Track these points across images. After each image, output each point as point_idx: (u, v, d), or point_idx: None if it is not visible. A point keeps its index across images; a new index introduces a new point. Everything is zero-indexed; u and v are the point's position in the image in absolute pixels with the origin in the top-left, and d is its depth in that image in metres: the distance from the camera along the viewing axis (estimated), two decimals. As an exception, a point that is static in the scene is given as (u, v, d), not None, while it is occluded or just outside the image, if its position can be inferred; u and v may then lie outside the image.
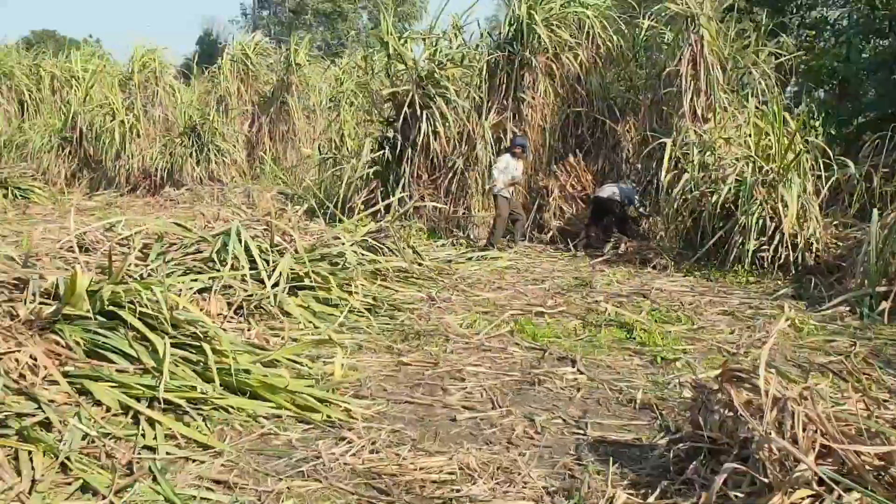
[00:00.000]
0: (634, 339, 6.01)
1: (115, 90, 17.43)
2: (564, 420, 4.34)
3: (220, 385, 4.28)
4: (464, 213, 11.06)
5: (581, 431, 4.19)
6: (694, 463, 3.46)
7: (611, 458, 3.73)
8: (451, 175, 11.30)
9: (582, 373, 5.10)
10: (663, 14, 10.60)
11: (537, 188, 11.32)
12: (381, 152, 11.60)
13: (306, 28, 43.35)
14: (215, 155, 15.95)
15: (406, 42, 11.54)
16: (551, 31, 10.98)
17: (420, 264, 8.00)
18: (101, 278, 4.95)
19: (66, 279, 4.74)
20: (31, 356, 4.15)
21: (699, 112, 9.89)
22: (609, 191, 10.21)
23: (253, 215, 7.75)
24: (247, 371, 4.40)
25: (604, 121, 12.11)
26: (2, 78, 20.32)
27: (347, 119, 15.09)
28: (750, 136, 9.05)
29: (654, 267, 9.06)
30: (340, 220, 10.46)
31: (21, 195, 14.13)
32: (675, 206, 9.28)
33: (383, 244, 7.86)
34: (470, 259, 9.04)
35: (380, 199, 11.44)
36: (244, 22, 49.98)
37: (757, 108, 9.37)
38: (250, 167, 17.44)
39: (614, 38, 11.84)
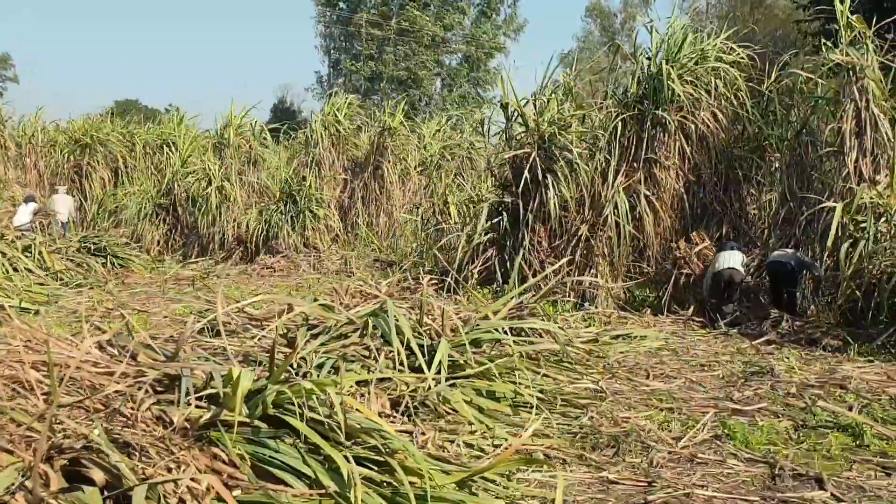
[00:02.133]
0: (868, 447, 4.97)
1: (210, 156, 17.30)
2: (859, 572, 3.34)
3: (419, 517, 3.43)
4: (591, 284, 10.16)
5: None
6: None
7: None
8: (574, 242, 10.48)
9: (840, 499, 4.09)
10: (817, 66, 9.71)
11: (672, 258, 10.36)
12: (498, 219, 10.87)
13: (381, 95, 43.71)
14: (311, 221, 15.51)
15: (527, 104, 10.88)
16: (687, 87, 10.18)
17: (570, 346, 7.10)
18: (261, 375, 4.20)
19: (223, 377, 4.02)
20: (191, 479, 3.39)
21: (866, 174, 8.86)
22: (786, 256, 9.14)
23: (388, 291, 7.00)
24: (446, 500, 3.55)
25: (727, 184, 11.23)
26: (97, 146, 20.51)
27: (464, 183, 14.44)
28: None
29: (824, 348, 7.99)
30: (458, 293, 9.76)
31: (119, 263, 13.82)
32: (848, 279, 8.22)
33: (530, 324, 6.99)
34: (616, 338, 8.09)
35: (497, 267, 10.70)
36: (320, 90, 50.90)
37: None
38: (343, 233, 16.96)
39: (740, 94, 11.02)
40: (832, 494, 4.15)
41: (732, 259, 9.28)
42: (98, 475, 3.24)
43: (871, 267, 8.06)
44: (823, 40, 10.16)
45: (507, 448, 4.54)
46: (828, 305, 9.14)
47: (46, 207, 16.65)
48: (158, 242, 16.60)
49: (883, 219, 8.17)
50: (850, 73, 8.95)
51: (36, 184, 19.90)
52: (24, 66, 76.12)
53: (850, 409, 5.73)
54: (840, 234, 8.61)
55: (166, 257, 15.78)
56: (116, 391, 3.92)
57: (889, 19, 9.69)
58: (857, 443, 5.05)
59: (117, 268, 13.55)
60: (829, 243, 8.51)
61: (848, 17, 9.26)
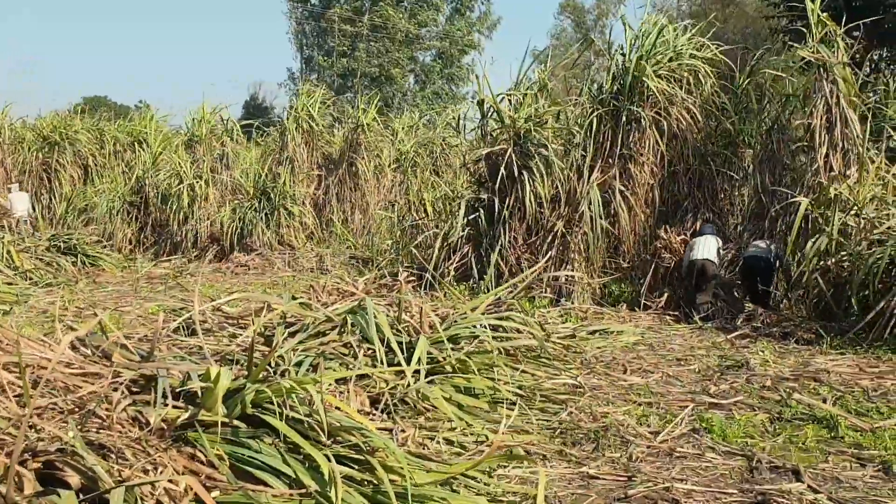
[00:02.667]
0: (843, 438, 5.03)
1: (182, 153, 17.10)
2: (838, 563, 3.38)
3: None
4: (567, 280, 10.19)
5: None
6: None
7: None
8: (550, 238, 10.49)
9: (817, 490, 4.14)
10: (787, 63, 9.83)
11: (653, 247, 10.41)
12: (475, 215, 10.86)
13: (354, 92, 43.43)
14: (286, 218, 15.39)
15: (503, 100, 10.87)
16: (662, 83, 10.23)
17: (548, 341, 7.11)
18: (239, 374, 4.15)
19: (200, 376, 3.96)
20: (168, 480, 3.34)
21: (836, 168, 8.97)
22: (762, 250, 9.18)
23: (365, 288, 6.96)
24: (428, 498, 3.53)
25: (701, 179, 11.31)
26: (66, 143, 20.16)
27: (439, 180, 14.42)
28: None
29: (797, 342, 8.08)
30: (437, 289, 9.74)
31: (90, 262, 13.61)
32: (811, 272, 8.34)
33: (508, 321, 6.98)
34: (593, 333, 8.13)
35: (473, 264, 10.70)
36: (292, 86, 50.49)
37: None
38: (318, 230, 16.85)
39: (714, 90, 11.12)
40: (809, 486, 4.19)
41: (708, 249, 9.32)
42: (74, 478, 3.18)
43: (835, 260, 8.16)
44: (791, 38, 10.31)
45: (488, 445, 4.54)
46: (800, 299, 9.25)
47: (7, 206, 16.35)
48: (130, 241, 16.39)
49: (853, 212, 8.27)
50: (821, 69, 9.06)
51: (3, 182, 19.53)
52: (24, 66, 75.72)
53: (825, 401, 5.81)
54: (809, 227, 8.72)
55: (138, 255, 15.58)
56: (91, 392, 3.85)
57: (859, 21, 9.83)
58: (832, 435, 5.12)
59: (88, 266, 13.36)
60: (793, 237, 8.62)
61: (819, 16, 9.37)
